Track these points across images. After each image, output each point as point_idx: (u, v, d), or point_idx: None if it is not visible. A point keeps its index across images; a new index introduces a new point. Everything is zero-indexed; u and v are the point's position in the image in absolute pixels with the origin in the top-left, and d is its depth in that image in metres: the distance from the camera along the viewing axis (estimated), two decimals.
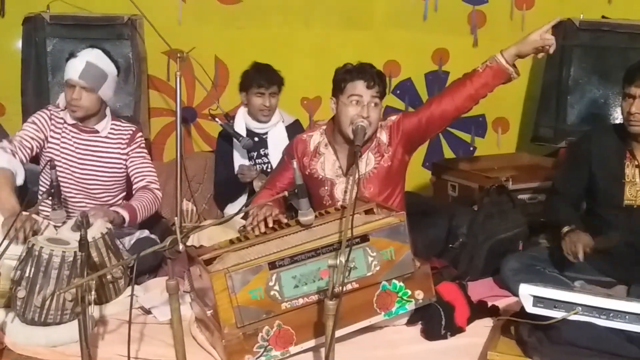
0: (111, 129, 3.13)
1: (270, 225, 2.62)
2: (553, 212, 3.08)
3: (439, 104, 2.86)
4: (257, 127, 3.68)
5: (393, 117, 2.96)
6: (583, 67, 3.94)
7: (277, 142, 3.65)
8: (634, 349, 2.18)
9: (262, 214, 2.65)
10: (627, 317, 2.23)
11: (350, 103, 2.79)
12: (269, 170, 3.62)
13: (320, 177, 2.96)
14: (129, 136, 3.15)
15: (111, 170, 3.11)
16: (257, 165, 3.66)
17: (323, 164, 2.96)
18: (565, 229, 2.84)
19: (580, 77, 3.95)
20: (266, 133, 3.69)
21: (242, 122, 3.69)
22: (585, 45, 3.94)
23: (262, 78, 3.61)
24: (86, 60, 2.95)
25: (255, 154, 3.69)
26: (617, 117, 3.81)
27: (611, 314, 2.25)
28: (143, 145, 3.20)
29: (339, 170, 2.94)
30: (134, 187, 3.13)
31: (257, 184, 3.50)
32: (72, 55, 3.01)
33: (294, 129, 3.68)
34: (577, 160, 3.03)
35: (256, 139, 3.68)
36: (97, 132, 3.10)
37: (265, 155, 3.68)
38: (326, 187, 2.95)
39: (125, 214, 2.93)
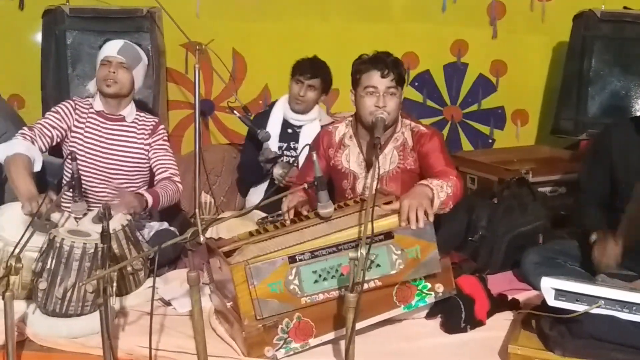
0: (135, 118, 3.16)
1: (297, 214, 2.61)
2: (580, 216, 3.04)
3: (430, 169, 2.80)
4: (293, 117, 3.67)
5: (424, 129, 2.90)
6: (604, 58, 3.90)
7: (309, 138, 3.59)
8: None
9: (293, 201, 2.66)
10: None
11: (366, 94, 2.77)
12: (295, 164, 3.60)
13: (344, 169, 2.95)
14: (151, 127, 3.17)
15: (134, 160, 3.13)
16: (284, 157, 3.64)
17: (348, 156, 2.95)
18: (594, 237, 2.80)
19: (601, 68, 3.90)
20: (301, 127, 3.67)
21: (280, 111, 3.69)
22: (607, 36, 3.89)
23: (305, 67, 3.61)
24: (124, 40, 3.09)
25: (285, 145, 3.67)
26: (639, 109, 3.77)
27: (634, 308, 2.23)
28: (166, 137, 3.22)
29: (363, 163, 2.92)
30: (157, 178, 3.14)
31: (277, 172, 3.50)
32: (105, 40, 3.13)
33: None
34: (598, 155, 3.00)
35: (289, 130, 3.67)
36: (123, 118, 3.12)
37: (295, 148, 3.65)
38: (349, 180, 2.95)
39: (149, 198, 2.93)
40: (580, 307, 2.24)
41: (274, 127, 3.67)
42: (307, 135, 3.61)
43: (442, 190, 2.54)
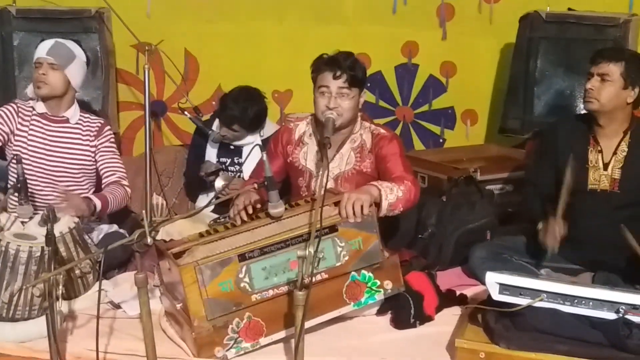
0: (79, 119, 3.11)
1: (250, 212, 2.61)
2: (528, 208, 3.12)
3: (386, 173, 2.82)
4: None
5: (384, 131, 2.92)
6: (550, 59, 3.97)
7: (252, 154, 3.40)
8: (597, 334, 2.23)
9: (242, 202, 2.64)
10: (590, 303, 2.29)
11: (320, 94, 2.79)
12: (238, 176, 3.56)
13: (301, 166, 2.96)
14: (97, 128, 3.13)
15: (80, 162, 3.09)
16: (230, 173, 3.61)
17: (306, 154, 2.95)
18: (540, 225, 2.88)
19: (547, 68, 3.97)
20: (242, 145, 3.62)
21: (218, 130, 3.61)
22: (552, 37, 3.96)
23: (226, 117, 3.45)
24: (55, 40, 3.02)
25: (228, 160, 3.63)
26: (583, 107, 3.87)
27: (575, 301, 2.30)
28: (112, 140, 3.18)
29: (320, 162, 2.92)
30: (105, 181, 3.10)
31: (218, 184, 3.45)
32: (41, 41, 3.05)
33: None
34: (545, 150, 3.08)
35: (231, 147, 3.61)
36: (67, 120, 3.08)
37: (239, 164, 3.61)
38: (304, 178, 2.95)
39: (97, 202, 2.92)
40: (523, 301, 2.31)
41: (214, 144, 3.63)
42: (250, 152, 3.48)
43: (391, 193, 2.58)
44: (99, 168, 3.12)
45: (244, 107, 3.44)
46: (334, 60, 2.79)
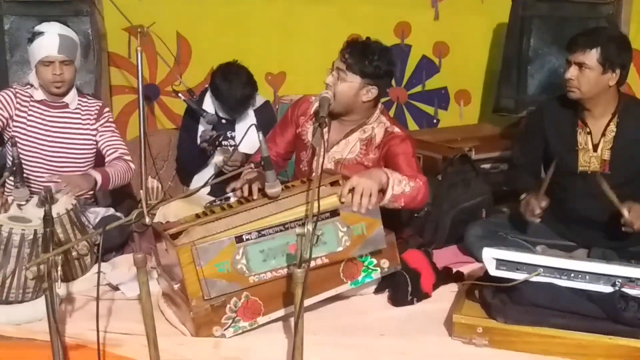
0: (78, 103, 3.10)
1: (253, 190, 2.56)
2: (512, 183, 3.15)
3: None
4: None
5: (398, 130, 2.84)
6: (542, 37, 3.97)
7: (245, 126, 3.47)
8: (594, 307, 2.25)
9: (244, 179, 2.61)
10: (587, 277, 2.31)
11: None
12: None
13: (306, 141, 2.93)
14: (96, 111, 3.12)
15: (81, 146, 3.08)
16: (224, 142, 3.61)
17: (315, 131, 2.90)
18: (523, 196, 2.91)
19: (539, 47, 3.97)
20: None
21: (210, 105, 3.62)
22: (544, 15, 3.96)
23: (237, 106, 3.52)
24: (58, 34, 2.92)
25: (222, 135, 3.65)
26: None
27: (572, 275, 2.32)
28: (111, 119, 3.18)
29: (326, 143, 2.88)
30: (107, 160, 3.10)
31: (218, 159, 3.44)
32: (35, 34, 2.95)
33: (263, 111, 3.62)
34: (531, 132, 3.10)
35: (224, 120, 3.61)
36: (66, 105, 3.06)
37: (232, 137, 3.61)
38: (307, 152, 2.93)
39: (97, 176, 2.92)
40: (520, 276, 2.32)
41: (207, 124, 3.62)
42: (243, 124, 3.56)
43: (399, 185, 2.52)
44: (101, 148, 3.11)
45: (242, 86, 3.47)
46: (351, 44, 2.73)
